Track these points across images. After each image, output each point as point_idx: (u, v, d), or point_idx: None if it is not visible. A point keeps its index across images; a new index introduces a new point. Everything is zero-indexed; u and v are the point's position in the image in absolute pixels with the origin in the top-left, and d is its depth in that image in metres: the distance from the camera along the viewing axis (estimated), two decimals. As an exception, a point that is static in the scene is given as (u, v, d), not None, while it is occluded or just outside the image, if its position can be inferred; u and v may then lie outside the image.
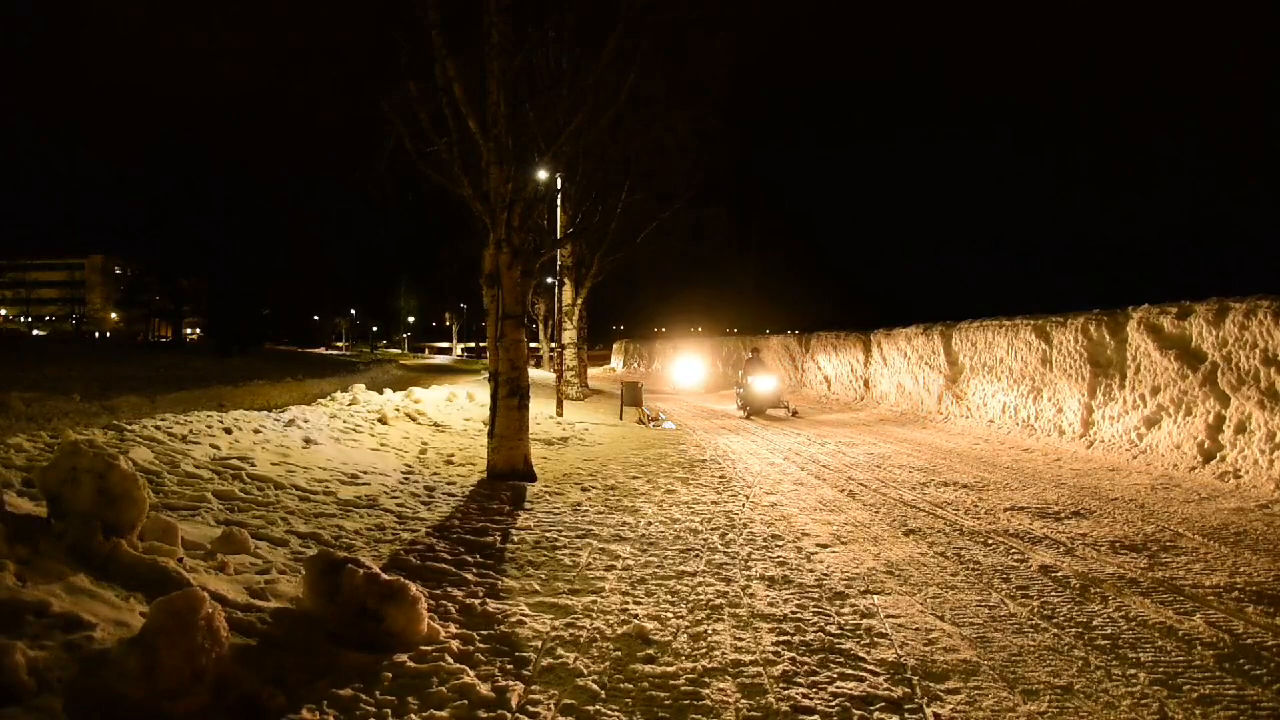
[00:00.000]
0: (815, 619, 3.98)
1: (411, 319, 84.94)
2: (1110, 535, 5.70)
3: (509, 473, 7.75)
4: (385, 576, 3.56)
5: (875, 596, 4.35)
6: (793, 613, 4.07)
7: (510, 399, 7.89)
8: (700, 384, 26.65)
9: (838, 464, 9.30)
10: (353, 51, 8.89)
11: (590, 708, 2.97)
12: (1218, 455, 7.96)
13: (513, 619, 3.89)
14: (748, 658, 3.47)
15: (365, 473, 7.23)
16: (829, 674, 3.31)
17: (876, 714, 2.97)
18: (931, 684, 3.21)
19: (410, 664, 3.23)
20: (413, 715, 2.85)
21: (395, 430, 9.78)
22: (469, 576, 4.56)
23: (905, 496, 7.21)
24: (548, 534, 5.70)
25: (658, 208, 18.61)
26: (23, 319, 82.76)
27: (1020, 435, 11.33)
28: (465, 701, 2.96)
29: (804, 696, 3.10)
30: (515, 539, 5.53)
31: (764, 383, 15.81)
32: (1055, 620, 3.95)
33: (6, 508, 3.76)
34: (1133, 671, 3.32)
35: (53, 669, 2.65)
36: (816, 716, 2.95)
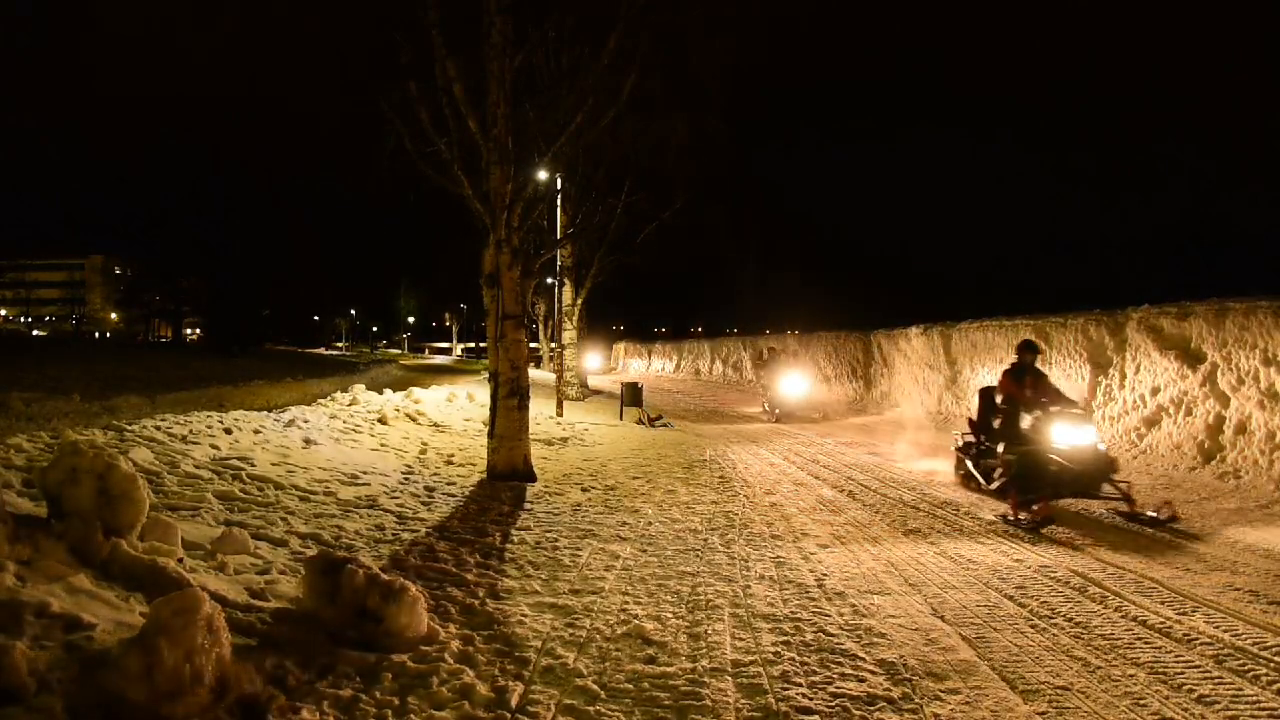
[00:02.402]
0: (814, 618, 3.98)
1: (411, 319, 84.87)
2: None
3: (509, 473, 7.75)
4: (385, 577, 3.56)
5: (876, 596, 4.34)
6: (793, 612, 4.07)
7: (510, 399, 7.89)
8: (804, 401, 16.21)
9: None
10: (353, 51, 8.89)
11: (590, 708, 2.97)
12: (1218, 455, 7.96)
13: (513, 619, 3.89)
14: (748, 658, 3.47)
15: (365, 473, 7.23)
16: (828, 674, 3.31)
17: (876, 714, 2.97)
18: (931, 683, 3.21)
19: (410, 664, 3.23)
20: (413, 715, 2.85)
21: (395, 431, 9.78)
22: (469, 576, 4.56)
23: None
24: (548, 534, 5.70)
25: (658, 208, 18.58)
26: (23, 319, 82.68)
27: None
28: (465, 702, 2.96)
29: (804, 696, 3.10)
30: (515, 539, 5.54)
31: (1072, 433, 6.69)
32: (1054, 620, 3.95)
33: (6, 508, 3.75)
34: (1132, 671, 3.32)
35: (53, 669, 2.65)
36: (816, 716, 2.96)
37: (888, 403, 16.25)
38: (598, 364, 36.81)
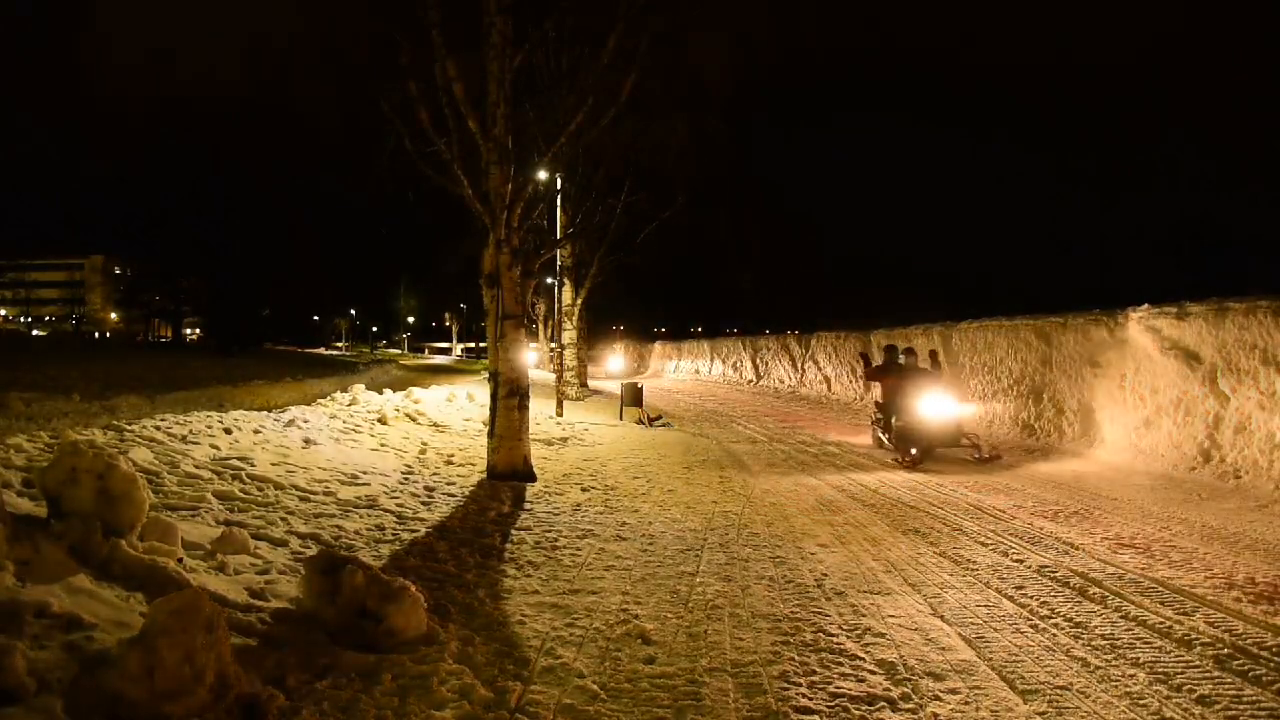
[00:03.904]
0: (814, 618, 3.98)
1: (411, 319, 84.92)
2: (1109, 535, 5.71)
3: (509, 473, 7.75)
4: (385, 577, 3.57)
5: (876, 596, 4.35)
6: (793, 612, 4.08)
7: (510, 399, 7.89)
8: (953, 430, 9.79)
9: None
10: (353, 52, 8.89)
11: (590, 708, 2.97)
12: (1218, 455, 7.96)
13: (513, 619, 3.90)
14: (748, 657, 3.48)
15: (365, 473, 7.23)
16: (828, 673, 3.31)
17: (876, 714, 2.98)
18: (931, 683, 3.21)
19: (410, 664, 3.23)
20: (413, 715, 2.85)
21: (395, 430, 9.79)
22: (469, 577, 4.56)
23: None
24: (548, 534, 5.70)
25: (658, 208, 18.60)
26: (23, 319, 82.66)
27: (1020, 436, 11.32)
28: (465, 702, 2.96)
29: (803, 696, 3.10)
30: (515, 539, 5.54)
31: None
32: (1054, 620, 3.95)
33: (6, 508, 3.76)
34: (1131, 671, 3.32)
35: (53, 669, 2.65)
36: (816, 716, 2.96)
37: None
38: (619, 366, 32.68)
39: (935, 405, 9.68)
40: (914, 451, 9.30)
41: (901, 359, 10.87)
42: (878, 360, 11.56)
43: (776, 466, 9.43)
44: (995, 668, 3.37)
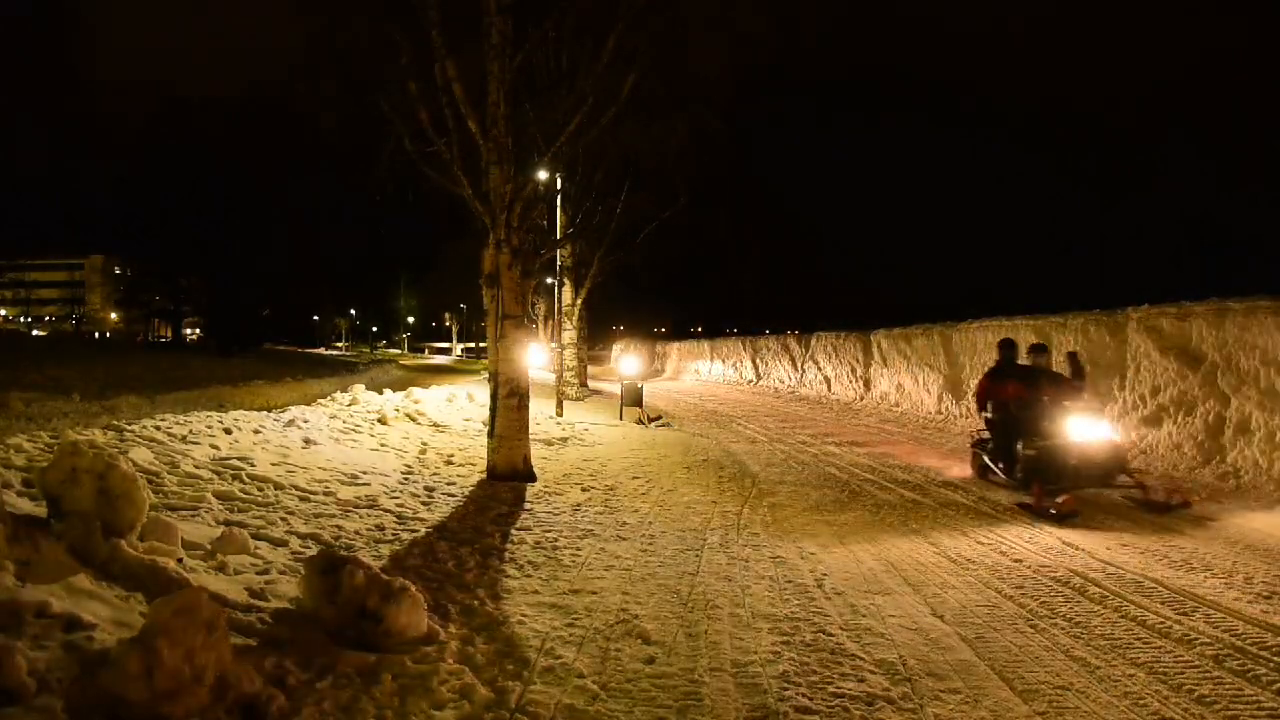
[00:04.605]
0: (815, 618, 3.98)
1: (411, 319, 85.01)
2: (1109, 535, 5.71)
3: (509, 473, 7.75)
4: (385, 576, 3.56)
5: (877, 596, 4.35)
6: (793, 612, 4.08)
7: (510, 399, 7.89)
8: (1109, 460, 6.81)
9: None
10: (353, 52, 8.89)
11: (590, 708, 2.97)
12: (1218, 455, 7.96)
13: (513, 619, 3.89)
14: (748, 657, 3.48)
15: (365, 473, 7.23)
16: (829, 673, 3.32)
17: (876, 714, 2.98)
18: (931, 683, 3.21)
19: (410, 664, 3.23)
20: (413, 716, 2.85)
21: (395, 431, 9.78)
22: (469, 577, 4.56)
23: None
24: (548, 534, 5.70)
25: (658, 208, 18.58)
26: (23, 319, 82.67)
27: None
28: (465, 702, 2.96)
29: (804, 696, 3.10)
30: (515, 539, 5.54)
31: None
32: (1054, 620, 3.95)
33: (6, 508, 3.75)
34: (1132, 671, 3.32)
35: (53, 669, 2.65)
36: (817, 716, 2.96)
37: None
38: (633, 369, 31.66)
39: (1085, 425, 6.95)
40: (1061, 499, 6.32)
41: (1028, 359, 8.13)
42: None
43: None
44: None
